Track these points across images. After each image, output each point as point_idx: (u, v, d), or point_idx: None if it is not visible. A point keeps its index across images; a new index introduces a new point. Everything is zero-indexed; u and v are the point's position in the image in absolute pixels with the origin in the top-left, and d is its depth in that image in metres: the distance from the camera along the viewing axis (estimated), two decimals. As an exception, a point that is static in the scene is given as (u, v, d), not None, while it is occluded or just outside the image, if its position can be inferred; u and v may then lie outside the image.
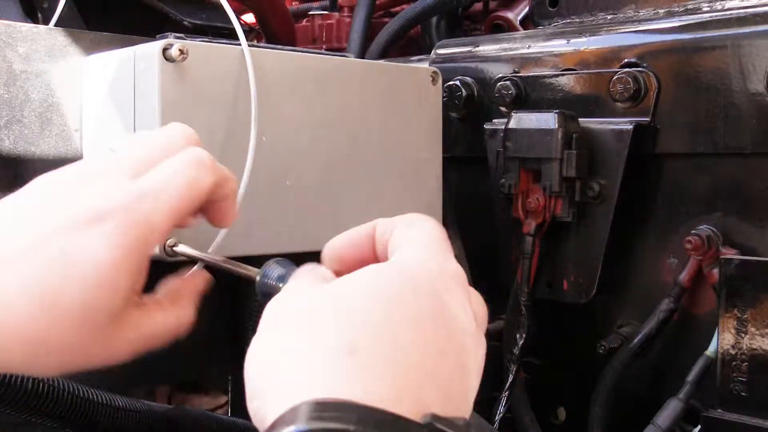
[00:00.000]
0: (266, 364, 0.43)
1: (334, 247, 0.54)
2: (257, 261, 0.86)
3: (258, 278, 0.57)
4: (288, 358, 0.42)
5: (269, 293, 0.54)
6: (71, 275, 0.46)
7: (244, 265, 0.60)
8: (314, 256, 1.04)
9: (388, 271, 0.46)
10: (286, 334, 0.44)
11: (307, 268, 0.53)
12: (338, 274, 0.50)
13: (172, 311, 0.54)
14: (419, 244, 0.48)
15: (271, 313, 0.46)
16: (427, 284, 0.45)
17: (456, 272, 0.47)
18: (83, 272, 0.46)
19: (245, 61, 0.72)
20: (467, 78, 0.98)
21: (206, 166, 0.52)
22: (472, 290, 0.48)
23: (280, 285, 0.55)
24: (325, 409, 0.38)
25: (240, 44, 0.73)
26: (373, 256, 0.52)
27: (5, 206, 0.49)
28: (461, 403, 0.43)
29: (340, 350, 0.41)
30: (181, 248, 0.68)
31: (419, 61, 1.10)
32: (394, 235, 0.51)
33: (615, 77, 0.84)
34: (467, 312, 0.46)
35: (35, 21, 0.96)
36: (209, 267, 0.63)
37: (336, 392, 0.39)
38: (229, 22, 0.75)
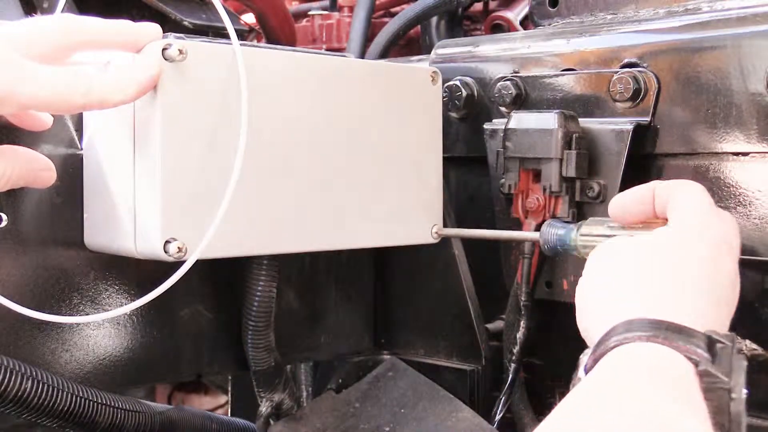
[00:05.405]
0: (590, 295, 0.65)
1: (624, 201, 0.72)
2: (257, 261, 0.86)
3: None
4: (606, 291, 0.63)
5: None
6: None
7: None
8: (314, 256, 1.04)
9: (675, 233, 0.65)
10: (604, 276, 0.64)
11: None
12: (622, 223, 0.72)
13: None
14: (694, 212, 0.66)
15: (597, 258, 0.67)
16: (705, 247, 0.64)
17: (724, 234, 0.66)
18: None
19: (244, 60, 0.72)
20: (467, 78, 0.98)
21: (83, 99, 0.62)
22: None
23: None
24: (634, 327, 0.56)
25: (240, 44, 0.73)
26: (652, 210, 0.70)
27: None
28: (724, 324, 0.62)
29: (640, 286, 0.61)
30: (445, 230, 0.88)
31: (419, 61, 1.10)
32: (673, 197, 0.68)
33: (615, 77, 0.84)
34: (732, 260, 0.66)
35: (35, 21, 0.96)
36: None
37: (637, 314, 0.57)
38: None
